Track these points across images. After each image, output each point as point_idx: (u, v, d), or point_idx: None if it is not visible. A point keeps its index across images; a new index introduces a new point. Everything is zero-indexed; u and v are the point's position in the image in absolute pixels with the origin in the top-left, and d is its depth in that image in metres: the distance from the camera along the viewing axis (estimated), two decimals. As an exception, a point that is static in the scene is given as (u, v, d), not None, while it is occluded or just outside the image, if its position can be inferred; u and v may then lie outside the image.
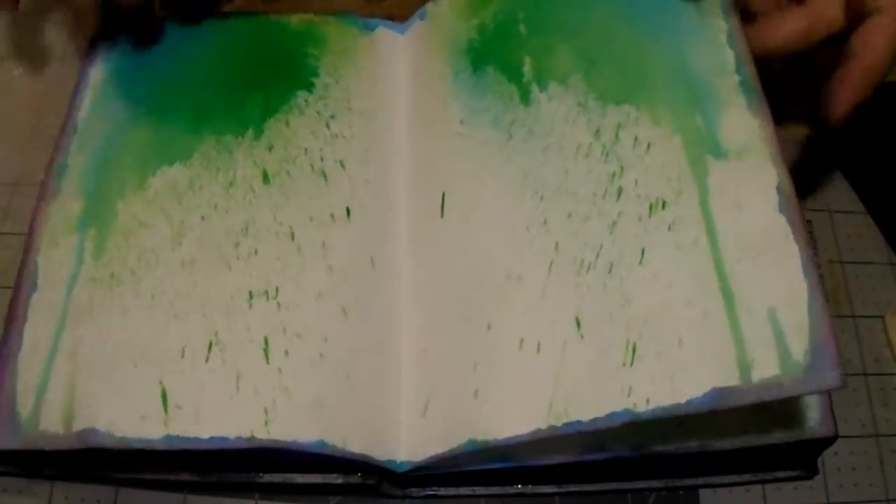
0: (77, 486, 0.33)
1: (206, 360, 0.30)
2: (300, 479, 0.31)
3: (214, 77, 0.38)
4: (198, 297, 0.32)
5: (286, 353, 0.30)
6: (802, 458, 0.33)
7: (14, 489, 0.33)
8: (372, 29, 0.40)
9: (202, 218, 0.34)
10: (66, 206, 0.34)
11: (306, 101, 0.37)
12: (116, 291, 0.32)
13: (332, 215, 0.34)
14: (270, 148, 0.36)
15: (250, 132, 0.36)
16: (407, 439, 0.31)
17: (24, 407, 0.29)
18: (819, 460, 0.33)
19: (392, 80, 0.39)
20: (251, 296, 0.32)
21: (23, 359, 0.31)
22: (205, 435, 0.28)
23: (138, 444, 0.28)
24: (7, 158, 0.41)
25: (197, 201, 0.34)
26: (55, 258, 0.33)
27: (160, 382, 0.30)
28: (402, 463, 0.30)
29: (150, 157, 0.35)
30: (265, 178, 0.35)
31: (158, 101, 0.37)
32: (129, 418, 0.29)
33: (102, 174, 0.35)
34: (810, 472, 0.33)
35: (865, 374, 0.37)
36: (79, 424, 0.29)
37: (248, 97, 0.37)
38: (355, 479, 0.31)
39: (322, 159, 0.35)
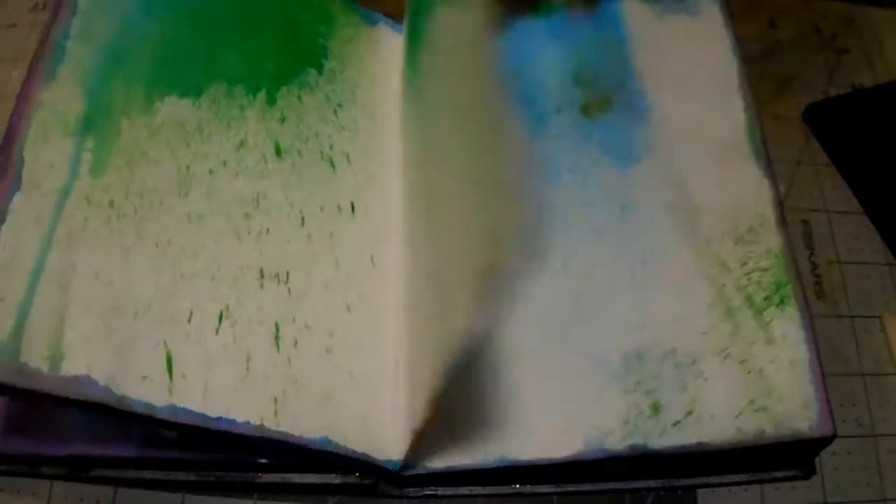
0: (76, 485, 0.33)
1: (217, 332, 0.29)
2: (298, 478, 0.31)
3: (231, 11, 0.36)
4: (207, 259, 0.30)
5: (295, 342, 0.30)
6: (800, 457, 0.33)
7: (13, 488, 0.33)
8: (374, 23, 0.40)
9: (210, 172, 0.32)
10: (63, 99, 0.30)
11: (316, 81, 0.37)
12: (116, 226, 0.29)
13: (338, 207, 0.34)
14: (283, 120, 0.35)
15: (262, 95, 0.35)
16: (402, 439, 0.31)
17: (3, 326, 0.25)
18: (816, 460, 0.33)
19: (391, 78, 0.39)
20: (262, 275, 0.31)
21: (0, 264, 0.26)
22: (213, 414, 0.27)
23: (140, 407, 0.26)
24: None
25: (205, 150, 0.32)
26: (44, 157, 0.28)
27: (165, 343, 0.27)
28: (398, 462, 0.30)
29: (161, 76, 0.32)
30: (278, 151, 0.34)
31: (172, 10, 0.34)
32: (129, 376, 0.26)
33: (106, 76, 0.31)
34: (808, 471, 0.33)
35: (863, 375, 0.37)
36: (69, 369, 0.25)
37: (262, 51, 0.36)
38: (353, 478, 0.31)
39: (331, 147, 0.35)
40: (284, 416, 0.28)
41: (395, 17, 0.41)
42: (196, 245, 0.30)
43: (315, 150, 0.35)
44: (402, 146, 0.36)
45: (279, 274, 0.31)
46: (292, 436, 0.28)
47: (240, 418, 0.27)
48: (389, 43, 0.40)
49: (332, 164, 0.35)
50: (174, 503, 0.33)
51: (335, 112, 0.36)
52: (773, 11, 0.40)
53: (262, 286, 0.31)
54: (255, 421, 0.28)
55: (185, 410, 0.27)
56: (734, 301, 0.32)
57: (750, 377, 0.30)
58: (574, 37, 0.38)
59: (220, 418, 0.27)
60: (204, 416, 0.27)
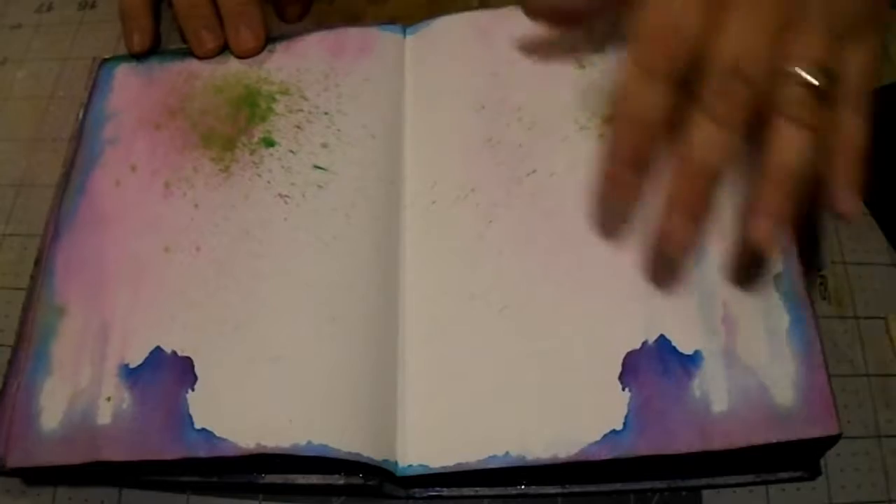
0: (80, 486, 0.33)
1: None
2: (302, 479, 0.31)
3: None
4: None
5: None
6: (805, 458, 0.32)
7: (17, 490, 0.33)
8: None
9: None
10: None
11: None
12: None
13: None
14: None
15: None
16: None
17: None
18: (822, 461, 0.33)
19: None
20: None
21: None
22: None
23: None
24: (10, 160, 0.41)
25: None
26: None
27: None
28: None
29: None
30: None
31: None
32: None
33: None
34: (813, 472, 0.33)
35: (868, 375, 0.37)
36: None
37: None
38: (357, 479, 0.31)
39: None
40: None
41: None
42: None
43: None
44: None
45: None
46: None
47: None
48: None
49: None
50: (179, 504, 0.33)
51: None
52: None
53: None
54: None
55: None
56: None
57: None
58: None
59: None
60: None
